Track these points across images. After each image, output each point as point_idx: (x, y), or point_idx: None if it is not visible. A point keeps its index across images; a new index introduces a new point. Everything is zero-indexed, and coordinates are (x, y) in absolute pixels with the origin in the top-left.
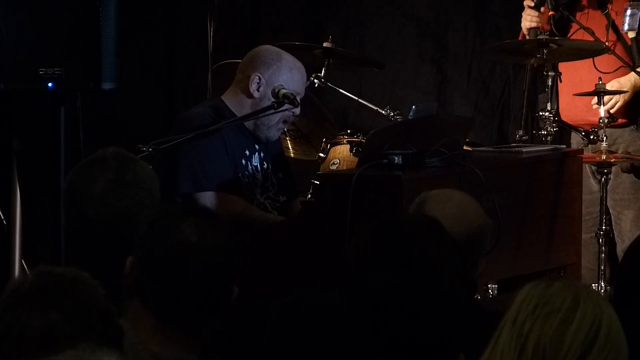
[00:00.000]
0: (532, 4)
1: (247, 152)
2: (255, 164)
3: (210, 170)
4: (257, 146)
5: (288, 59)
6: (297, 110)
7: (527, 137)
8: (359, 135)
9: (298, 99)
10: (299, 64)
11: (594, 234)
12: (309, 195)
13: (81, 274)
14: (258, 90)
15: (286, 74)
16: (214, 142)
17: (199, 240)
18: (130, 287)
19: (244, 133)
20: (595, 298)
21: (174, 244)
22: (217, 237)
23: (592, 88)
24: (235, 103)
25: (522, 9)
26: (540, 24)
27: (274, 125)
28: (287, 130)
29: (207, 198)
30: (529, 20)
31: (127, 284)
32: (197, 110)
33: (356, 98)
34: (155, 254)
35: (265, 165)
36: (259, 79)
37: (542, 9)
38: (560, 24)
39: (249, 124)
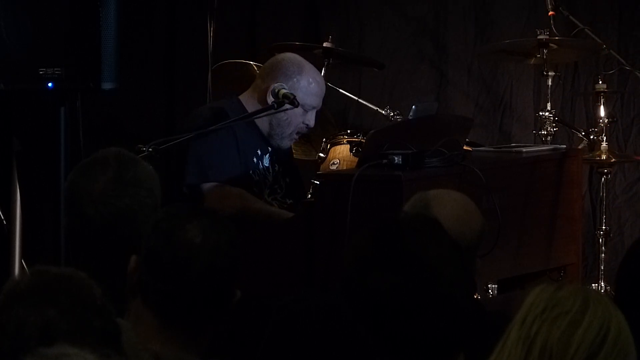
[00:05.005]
0: None
1: (259, 152)
2: (267, 165)
3: (218, 164)
4: (269, 148)
5: (309, 72)
6: (312, 123)
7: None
8: (359, 135)
9: (314, 111)
10: (319, 77)
11: None
12: (309, 196)
13: (78, 273)
14: None
15: (305, 87)
16: (225, 138)
17: (203, 242)
18: (133, 286)
19: (257, 134)
20: (605, 302)
21: (178, 244)
22: (221, 239)
23: None
24: (252, 107)
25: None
26: None
27: (287, 136)
28: None
29: (211, 188)
30: None
31: (130, 282)
32: (213, 105)
33: (356, 98)
34: (159, 254)
35: (276, 167)
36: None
37: None
38: None
39: (263, 128)
